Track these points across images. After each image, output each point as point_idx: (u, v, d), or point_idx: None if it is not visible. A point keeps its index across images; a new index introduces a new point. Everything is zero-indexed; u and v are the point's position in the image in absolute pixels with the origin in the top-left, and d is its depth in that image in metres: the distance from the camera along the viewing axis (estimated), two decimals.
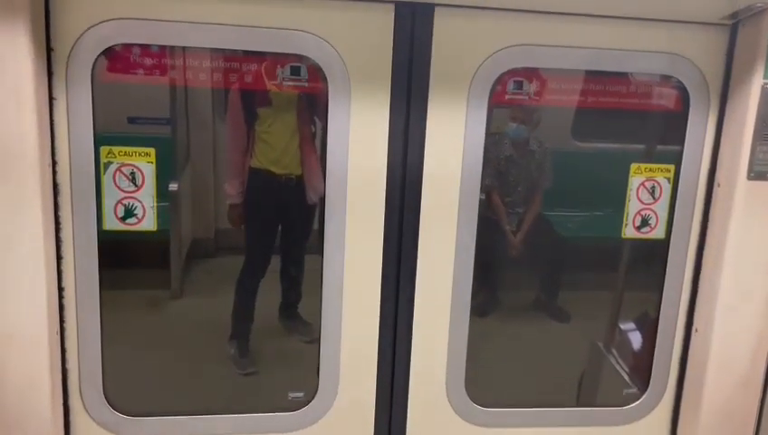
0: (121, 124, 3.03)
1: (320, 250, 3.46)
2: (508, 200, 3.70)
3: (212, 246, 3.85)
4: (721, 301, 2.50)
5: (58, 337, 2.32)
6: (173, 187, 3.33)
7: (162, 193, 2.45)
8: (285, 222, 3.38)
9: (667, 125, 2.71)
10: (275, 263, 3.39)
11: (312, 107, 3.06)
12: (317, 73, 2.40)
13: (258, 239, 3.38)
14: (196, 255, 3.81)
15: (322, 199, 3.30)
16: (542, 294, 3.93)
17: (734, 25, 2.43)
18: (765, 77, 2.33)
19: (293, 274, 3.45)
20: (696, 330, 2.63)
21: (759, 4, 2.25)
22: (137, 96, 2.90)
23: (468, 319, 2.59)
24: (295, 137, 3.14)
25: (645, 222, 2.66)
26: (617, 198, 2.68)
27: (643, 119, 2.82)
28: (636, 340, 3.15)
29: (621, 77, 2.58)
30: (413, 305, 2.54)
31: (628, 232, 2.68)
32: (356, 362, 2.57)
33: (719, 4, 2.33)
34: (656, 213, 2.65)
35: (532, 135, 3.58)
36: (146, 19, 2.21)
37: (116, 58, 2.29)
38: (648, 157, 2.79)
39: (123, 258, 2.62)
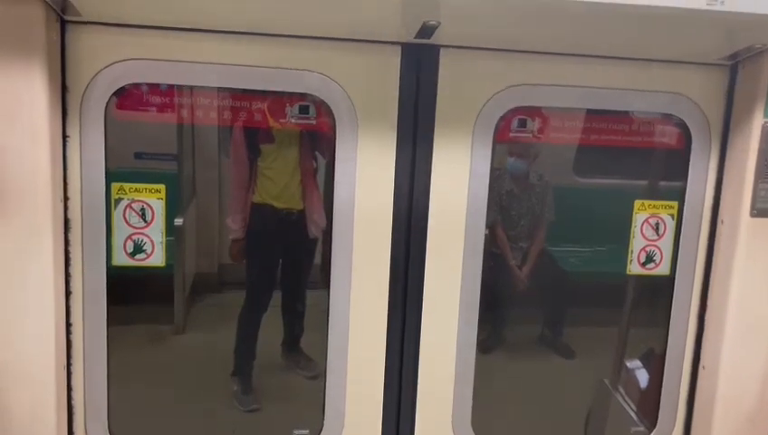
0: (128, 159, 3.07)
1: (322, 285, 3.48)
2: (511, 234, 3.72)
3: (215, 281, 3.86)
4: (727, 337, 2.50)
5: (65, 373, 2.32)
6: (178, 221, 3.35)
7: (168, 228, 2.47)
8: (286, 257, 3.41)
9: (669, 162, 2.74)
10: (277, 298, 3.40)
11: (313, 143, 3.11)
12: (324, 111, 2.44)
13: (259, 274, 3.40)
14: (199, 289, 3.81)
15: (327, 234, 3.35)
16: (546, 329, 3.92)
17: (734, 65, 2.48)
18: (766, 116, 2.37)
19: (295, 308, 3.46)
20: (704, 367, 2.62)
21: (758, 46, 2.29)
22: (144, 132, 2.95)
23: (474, 355, 2.58)
24: (297, 172, 3.18)
25: (650, 258, 2.67)
26: (620, 234, 2.70)
27: (646, 156, 2.86)
28: (642, 377, 3.13)
29: (624, 115, 2.62)
30: (419, 342, 2.54)
31: (634, 268, 2.68)
32: (361, 398, 2.56)
33: (719, 45, 2.38)
34: (660, 249, 2.66)
35: (532, 169, 3.62)
36: (158, 60, 2.26)
37: (129, 97, 2.33)
38: (651, 193, 2.82)
39: (128, 293, 2.63)
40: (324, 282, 3.48)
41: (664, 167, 2.86)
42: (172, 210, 2.44)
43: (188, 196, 3.71)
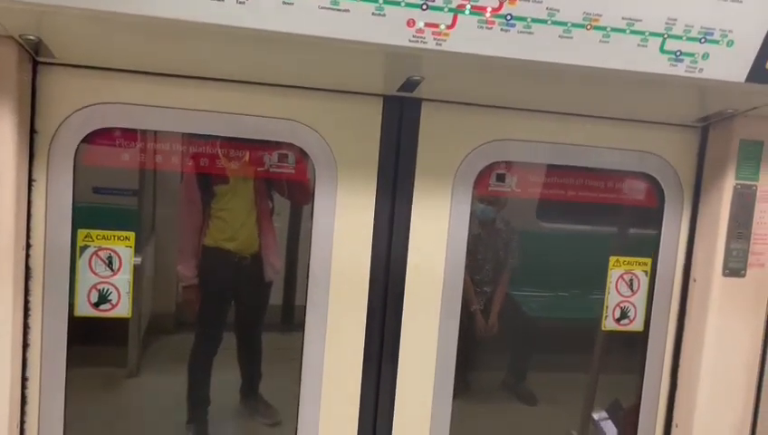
0: (87, 194, 2.96)
1: (281, 328, 3.39)
2: (476, 279, 3.71)
3: (172, 322, 3.73)
4: (700, 396, 2.52)
5: (18, 431, 2.17)
6: (136, 261, 3.23)
7: None
8: (240, 301, 3.31)
9: (642, 217, 2.79)
10: (233, 343, 3.30)
11: (270, 183, 3.03)
12: (301, 160, 2.41)
13: (211, 318, 3.29)
14: (155, 331, 3.68)
15: (288, 276, 3.28)
16: (509, 375, 3.91)
17: (706, 128, 2.55)
18: (737, 178, 2.43)
19: (250, 353, 3.36)
20: (677, 425, 2.63)
21: (729, 110, 2.37)
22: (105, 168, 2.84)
23: (450, 411, 2.54)
24: (252, 213, 3.10)
25: (624, 314, 2.69)
26: (584, 280, 2.71)
27: (618, 210, 2.91)
28: (610, 430, 3.13)
29: (602, 172, 2.66)
30: (394, 397, 2.49)
31: (608, 324, 2.70)
32: None
33: (691, 109, 2.45)
34: (635, 305, 2.69)
35: (499, 215, 3.64)
36: (132, 104, 2.19)
37: (99, 141, 2.24)
38: (623, 248, 2.85)
39: (83, 335, 2.50)
40: (284, 324, 3.44)
41: (638, 220, 2.91)
42: None
43: (147, 233, 3.59)
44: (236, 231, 3.13)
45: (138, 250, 3.23)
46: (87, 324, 2.42)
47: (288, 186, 2.98)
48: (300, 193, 2.77)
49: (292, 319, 3.23)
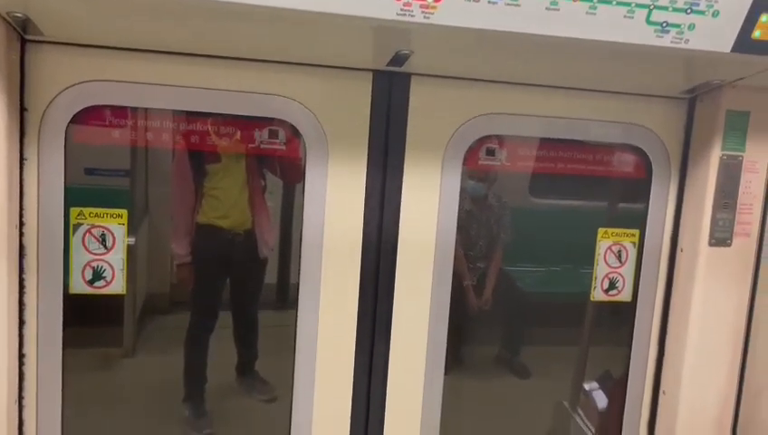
0: (78, 176, 2.95)
1: (275, 305, 3.41)
2: (469, 254, 3.74)
3: (167, 302, 3.74)
4: (687, 364, 2.56)
5: (16, 407, 2.19)
6: (130, 241, 3.24)
7: None
8: (235, 279, 3.33)
9: (632, 190, 2.81)
10: (229, 321, 3.33)
11: (261, 161, 3.04)
12: (292, 136, 2.42)
13: (206, 295, 3.31)
14: (150, 311, 3.69)
15: (283, 253, 3.29)
16: (503, 349, 3.96)
17: (693, 99, 2.57)
18: (723, 149, 2.45)
19: (247, 331, 3.39)
20: (664, 392, 2.68)
21: (716, 81, 2.38)
22: (95, 147, 2.84)
23: (442, 379, 2.58)
24: (245, 191, 3.12)
25: (612, 285, 2.73)
26: (575, 255, 2.74)
27: (605, 182, 2.93)
28: (600, 399, 3.18)
29: (589, 145, 2.68)
30: (387, 367, 2.52)
31: (597, 295, 2.73)
32: (328, 423, 2.52)
33: (678, 80, 2.46)
34: (623, 276, 2.72)
35: (491, 191, 3.66)
36: (122, 81, 2.18)
37: (90, 119, 2.24)
38: (613, 221, 2.89)
39: (79, 316, 2.52)
40: (279, 301, 3.46)
41: (627, 192, 2.93)
42: None
43: (141, 214, 3.59)
44: (229, 209, 3.15)
45: (131, 231, 3.26)
46: (83, 305, 2.44)
47: (280, 165, 2.99)
48: (291, 171, 2.78)
49: (287, 297, 3.26)
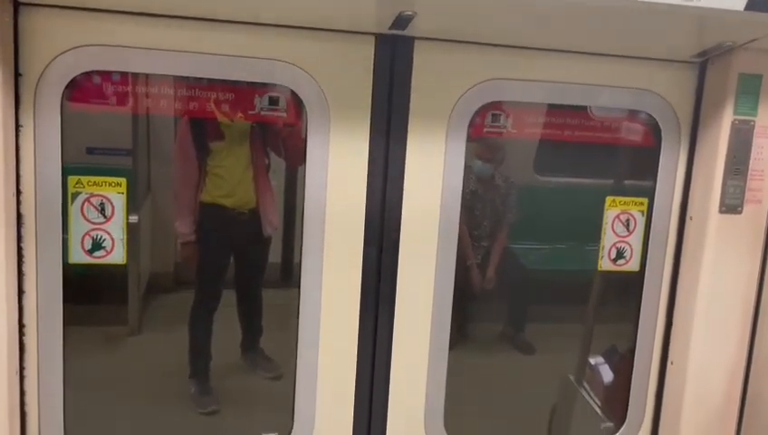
0: (79, 155, 2.92)
1: (279, 284, 3.39)
2: (474, 234, 3.71)
3: (171, 281, 3.73)
4: (695, 334, 2.53)
5: (17, 378, 2.17)
6: (133, 219, 3.22)
7: None
8: (240, 257, 3.31)
9: (640, 159, 2.76)
10: (233, 299, 3.32)
11: (265, 139, 3.02)
12: (293, 103, 2.37)
13: (210, 273, 3.30)
14: (154, 289, 3.68)
15: (286, 231, 3.27)
16: (507, 326, 3.94)
17: (704, 63, 2.51)
18: (735, 114, 2.40)
19: (251, 309, 3.38)
20: (672, 362, 2.65)
21: (728, 43, 2.33)
22: (96, 126, 2.80)
23: (447, 354, 2.55)
24: (249, 170, 3.09)
25: (620, 254, 2.69)
26: (581, 231, 2.70)
27: (613, 153, 2.88)
28: (606, 373, 3.16)
29: (597, 112, 2.63)
30: (391, 342, 2.49)
31: (605, 265, 2.69)
32: (332, 399, 2.49)
33: (689, 43, 2.40)
34: (630, 245, 2.68)
35: (497, 171, 3.63)
36: (119, 46, 2.14)
37: (87, 85, 2.20)
38: (619, 190, 2.84)
39: (82, 293, 2.50)
40: (283, 280, 3.44)
41: (634, 163, 2.89)
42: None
43: (143, 192, 3.57)
44: (233, 187, 3.13)
45: (134, 209, 3.24)
46: (87, 283, 2.42)
47: (284, 145, 2.96)
48: (295, 152, 2.74)
49: (291, 276, 3.24)
